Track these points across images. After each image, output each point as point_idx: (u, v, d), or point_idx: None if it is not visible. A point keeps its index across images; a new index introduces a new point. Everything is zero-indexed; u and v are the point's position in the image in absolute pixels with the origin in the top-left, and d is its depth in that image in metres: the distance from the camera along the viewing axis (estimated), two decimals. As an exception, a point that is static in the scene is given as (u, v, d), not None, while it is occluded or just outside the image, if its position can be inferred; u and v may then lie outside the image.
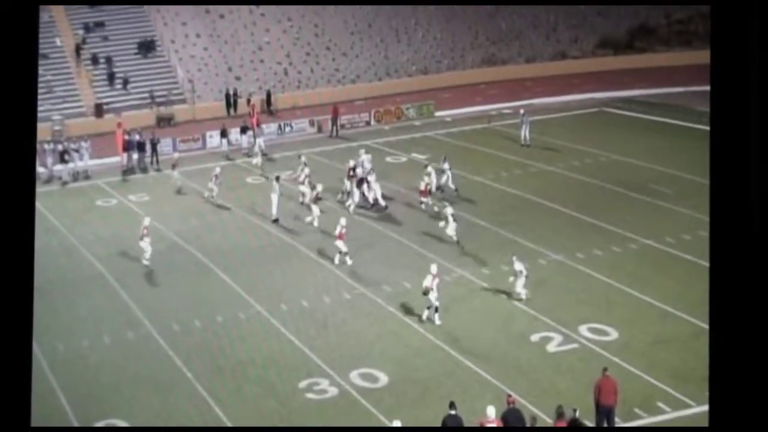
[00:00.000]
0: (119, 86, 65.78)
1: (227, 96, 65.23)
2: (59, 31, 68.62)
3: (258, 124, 56.09)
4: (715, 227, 16.76)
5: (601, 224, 39.58)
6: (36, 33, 16.37)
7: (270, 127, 58.95)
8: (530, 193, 44.15)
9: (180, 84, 66.98)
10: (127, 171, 52.91)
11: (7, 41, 15.57)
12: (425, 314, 31.13)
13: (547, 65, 74.61)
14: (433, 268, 31.12)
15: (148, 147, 53.85)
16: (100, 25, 69.83)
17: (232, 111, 64.38)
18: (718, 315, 16.46)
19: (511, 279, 32.50)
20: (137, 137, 54.20)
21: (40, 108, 60.81)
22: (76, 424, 25.77)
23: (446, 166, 44.35)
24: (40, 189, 49.34)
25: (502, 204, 43.21)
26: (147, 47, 69.03)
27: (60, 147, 53.38)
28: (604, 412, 23.48)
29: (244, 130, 56.22)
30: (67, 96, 64.52)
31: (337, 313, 32.38)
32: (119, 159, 53.80)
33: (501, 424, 22.29)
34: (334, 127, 59.16)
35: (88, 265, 38.06)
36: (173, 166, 48.05)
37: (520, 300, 32.10)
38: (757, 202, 16.31)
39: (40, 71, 64.13)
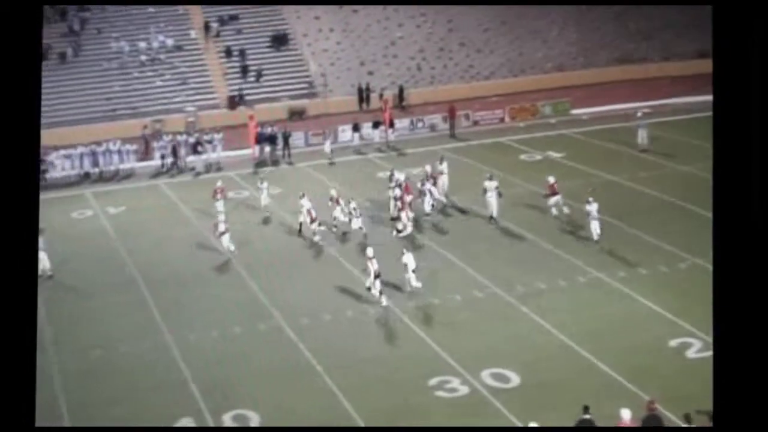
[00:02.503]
0: (252, 79, 66.87)
1: (359, 90, 65.75)
2: (193, 24, 70.14)
3: (391, 121, 56.55)
4: (718, 228, 16.53)
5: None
6: (39, 33, 16.60)
7: (402, 123, 59.21)
8: (668, 194, 43.33)
9: (312, 78, 67.74)
10: (259, 163, 53.83)
11: (9, 41, 15.83)
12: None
13: (688, 64, 73.08)
14: (370, 251, 33.32)
15: (280, 140, 54.67)
16: (234, 18, 71.08)
17: (364, 105, 64.91)
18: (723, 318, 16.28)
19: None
20: (269, 130, 55.11)
21: (175, 99, 62.64)
22: (206, 415, 26.31)
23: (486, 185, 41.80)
24: (172, 180, 50.74)
25: (639, 205, 42.53)
26: (280, 41, 69.99)
27: (193, 138, 54.64)
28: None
29: (376, 125, 56.70)
30: (201, 88, 65.89)
31: (469, 312, 32.38)
32: (251, 151, 54.79)
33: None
34: (451, 127, 59.00)
35: (219, 256, 38.78)
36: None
37: None
38: (758, 202, 16.13)
39: (175, 62, 65.91)
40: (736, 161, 16.28)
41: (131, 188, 50.72)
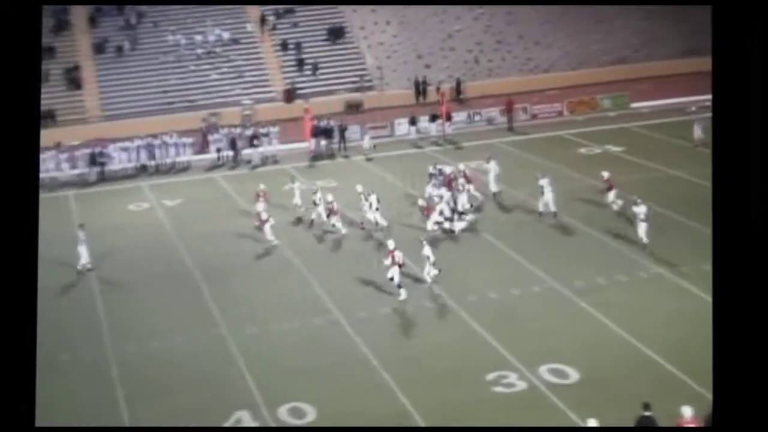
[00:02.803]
0: (308, 72, 66.96)
1: (416, 83, 65.61)
2: (249, 17, 70.39)
3: (448, 115, 56.44)
4: (718, 228, 16.40)
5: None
6: (39, 32, 16.56)
7: (459, 116, 59.03)
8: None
9: (369, 71, 67.73)
10: (315, 157, 53.93)
11: (9, 40, 15.83)
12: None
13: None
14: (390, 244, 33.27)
15: (336, 133, 54.73)
16: (290, 11, 71.23)
17: (421, 99, 64.76)
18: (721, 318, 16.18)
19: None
20: (325, 123, 55.18)
21: (230, 92, 62.91)
22: (262, 408, 26.33)
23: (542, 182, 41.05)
24: (228, 173, 50.99)
25: (700, 198, 41.93)
26: (336, 34, 70.05)
27: (249, 131, 54.86)
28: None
29: (433, 118, 56.59)
30: (257, 81, 66.14)
31: (526, 306, 32.19)
32: (307, 144, 54.90)
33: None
34: (509, 120, 58.70)
35: (276, 249, 38.88)
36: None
37: None
38: (759, 202, 16.01)
39: (231, 56, 66.19)
40: (737, 161, 16.18)
41: (187, 181, 51.03)
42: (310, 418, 25.79)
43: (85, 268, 37.44)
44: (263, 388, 27.40)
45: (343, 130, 54.98)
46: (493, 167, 43.86)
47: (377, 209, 39.85)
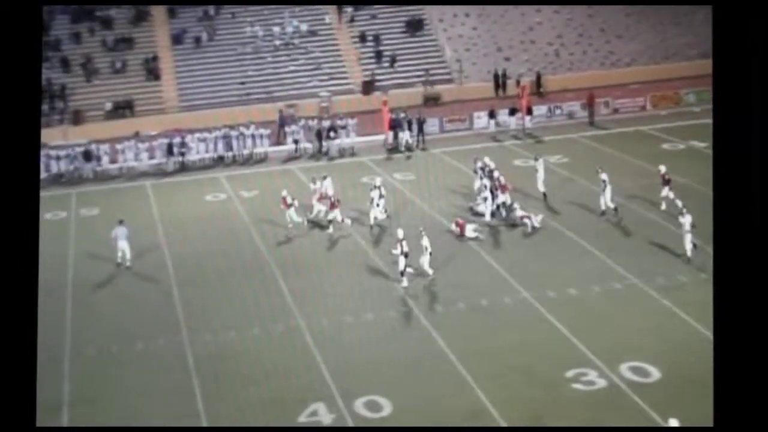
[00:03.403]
0: (386, 64, 67.09)
1: (496, 77, 65.40)
2: (327, 9, 70.68)
3: (529, 108, 56.26)
4: (718, 229, 16.44)
5: None
6: (39, 32, 16.68)
7: (539, 110, 58.74)
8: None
9: (447, 63, 67.69)
10: (393, 149, 54.04)
11: (9, 40, 15.92)
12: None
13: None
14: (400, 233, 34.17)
15: (414, 126, 54.76)
16: (368, 3, 71.38)
17: (500, 92, 64.54)
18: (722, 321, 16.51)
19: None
20: (403, 116, 55.23)
21: (308, 84, 63.26)
22: (338, 400, 26.46)
23: (604, 177, 40.39)
24: (305, 164, 51.26)
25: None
26: (415, 26, 70.09)
27: (326, 123, 55.11)
28: None
29: (512, 112, 56.41)
30: (335, 73, 66.41)
31: (607, 303, 31.96)
32: (384, 137, 55.00)
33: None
34: (590, 115, 58.22)
35: (351, 242, 39.12)
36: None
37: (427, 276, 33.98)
38: (759, 202, 16.04)
39: (309, 47, 66.50)
40: (737, 161, 16.25)
41: (264, 172, 51.39)
42: (385, 411, 25.83)
43: (124, 264, 37.81)
44: (339, 380, 27.52)
45: (421, 123, 54.97)
46: (540, 166, 43.38)
47: (377, 204, 40.35)
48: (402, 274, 33.98)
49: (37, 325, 15.83)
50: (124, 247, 37.75)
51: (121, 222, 38.31)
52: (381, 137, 55.26)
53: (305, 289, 34.54)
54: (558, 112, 59.45)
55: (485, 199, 40.14)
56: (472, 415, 25.42)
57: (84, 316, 33.63)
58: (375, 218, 40.30)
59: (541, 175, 42.93)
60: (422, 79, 65.88)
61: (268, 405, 26.37)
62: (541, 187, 42.81)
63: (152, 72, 65.82)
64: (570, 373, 27.02)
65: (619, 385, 26.40)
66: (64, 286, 36.47)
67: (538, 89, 64.70)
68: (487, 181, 40.84)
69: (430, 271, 34.47)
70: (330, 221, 40.18)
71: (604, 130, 55.76)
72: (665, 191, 40.07)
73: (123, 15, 69.85)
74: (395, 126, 54.96)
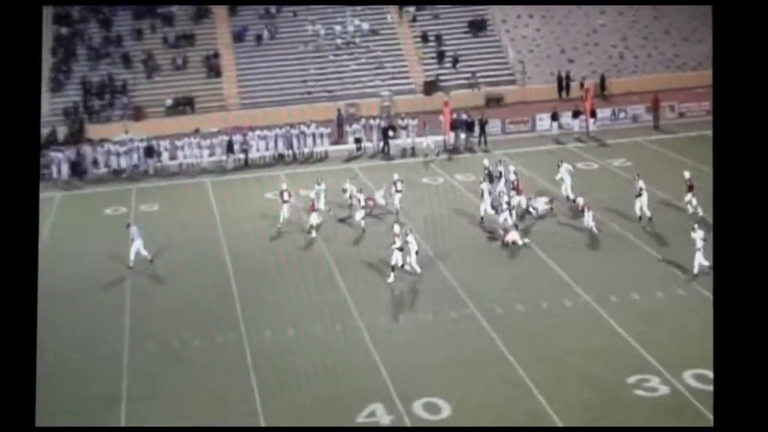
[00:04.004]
0: (448, 65, 67.10)
1: (559, 79, 65.17)
2: (389, 8, 70.83)
3: (592, 111, 56.01)
4: (718, 230, 16.72)
5: None
6: (39, 32, 16.75)
7: (603, 113, 58.44)
8: None
9: (510, 65, 67.56)
10: (453, 150, 54.05)
11: (8, 40, 15.97)
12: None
13: None
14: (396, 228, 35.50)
15: (476, 127, 54.71)
16: (430, 2, 71.46)
17: (563, 94, 64.33)
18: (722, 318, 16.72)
19: None
20: (465, 117, 55.20)
21: (370, 83, 63.40)
22: (396, 401, 26.51)
23: (641, 185, 40.01)
24: (365, 163, 51.39)
25: None
26: (478, 26, 70.01)
27: (385, 123, 55.26)
28: None
29: (576, 114, 56.17)
30: (396, 73, 66.52)
31: (671, 309, 31.71)
32: (446, 138, 55.00)
33: None
34: (655, 118, 57.80)
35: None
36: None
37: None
38: (761, 208, 16.19)
39: (371, 47, 66.66)
40: (738, 161, 16.33)
41: (324, 171, 51.54)
42: (444, 413, 25.81)
43: (128, 265, 38.09)
44: (398, 381, 27.55)
45: (483, 124, 54.91)
46: (564, 171, 43.29)
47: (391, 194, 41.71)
48: (393, 269, 34.69)
49: (36, 325, 16.01)
50: (134, 250, 38.05)
51: (128, 225, 38.96)
52: (441, 137, 55.21)
53: (364, 288, 34.64)
54: (622, 115, 59.12)
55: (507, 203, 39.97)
56: (531, 417, 25.35)
57: (143, 312, 33.99)
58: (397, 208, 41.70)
59: (567, 183, 43.00)
60: (470, 81, 65.79)
61: (326, 404, 26.48)
62: (569, 194, 42.73)
63: (213, 69, 66.35)
64: (632, 379, 26.83)
65: (683, 392, 26.19)
66: (122, 281, 36.93)
67: (602, 92, 64.30)
68: (502, 186, 41.05)
69: (418, 269, 35.02)
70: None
71: (669, 134, 55.37)
72: (688, 197, 39.79)
73: (184, 12, 70.51)
74: (456, 127, 54.94)
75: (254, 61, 67.37)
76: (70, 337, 31.96)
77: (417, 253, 35.17)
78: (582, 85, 61.96)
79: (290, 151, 54.28)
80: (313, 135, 54.59)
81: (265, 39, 68.56)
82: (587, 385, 26.96)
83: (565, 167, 43.42)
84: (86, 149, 54.92)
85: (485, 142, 54.48)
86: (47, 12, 69.74)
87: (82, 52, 67.38)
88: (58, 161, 53.14)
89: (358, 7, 70.46)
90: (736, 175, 16.39)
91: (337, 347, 30.17)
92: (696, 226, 34.65)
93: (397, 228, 35.71)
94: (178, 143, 54.02)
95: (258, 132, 54.64)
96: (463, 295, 33.54)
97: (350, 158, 53.99)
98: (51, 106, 63.02)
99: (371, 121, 55.78)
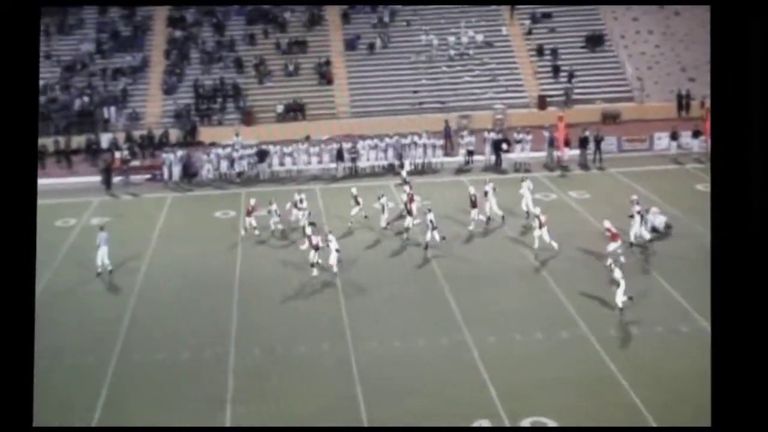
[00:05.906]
0: (564, 79, 66.75)
1: (679, 97, 64.45)
2: (504, 20, 70.80)
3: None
4: (716, 232, 16.62)
5: None
6: (37, 33, 16.77)
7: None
8: None
9: (628, 81, 66.98)
10: (567, 166, 53.71)
11: (9, 41, 15.98)
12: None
13: None
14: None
15: (591, 144, 54.30)
16: (547, 16, 71.29)
17: (683, 113, 63.53)
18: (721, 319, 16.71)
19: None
20: (581, 133, 54.81)
21: (483, 96, 63.44)
22: (504, 419, 26.40)
23: (636, 209, 40.27)
24: (477, 176, 51.28)
25: None
26: (595, 41, 69.58)
27: (498, 136, 55.14)
28: None
29: (696, 134, 55.38)
30: (510, 86, 66.40)
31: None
32: (560, 153, 54.68)
33: None
34: None
35: (519, 257, 39.08)
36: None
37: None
38: (759, 207, 16.12)
39: (485, 59, 66.70)
40: (736, 161, 16.28)
41: (434, 182, 51.60)
42: (553, 433, 25.75)
43: (105, 269, 38.68)
44: (506, 398, 27.46)
45: (599, 141, 54.47)
46: (526, 189, 43.65)
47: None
48: (312, 265, 37.22)
49: (34, 325, 16.20)
50: (101, 254, 38.61)
51: (101, 228, 39.72)
52: (556, 153, 54.92)
53: (474, 303, 34.56)
54: (743, 137, 58.06)
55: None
56: (643, 443, 25.15)
57: (249, 315, 34.36)
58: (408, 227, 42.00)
59: (527, 196, 43.57)
60: (562, 97, 65.38)
61: (431, 417, 26.48)
62: (527, 208, 43.27)
63: (324, 76, 66.96)
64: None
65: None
66: (231, 283, 37.39)
67: (722, 112, 63.24)
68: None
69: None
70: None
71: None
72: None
73: (297, 18, 71.31)
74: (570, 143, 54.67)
75: (366, 69, 67.86)
76: (178, 337, 32.50)
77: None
78: (703, 104, 61.11)
79: (398, 162, 54.28)
80: (425, 146, 54.63)
81: (378, 48, 68.99)
82: (699, 410, 26.37)
83: (526, 184, 44.12)
84: (197, 152, 55.79)
85: (600, 159, 54.02)
86: (161, 14, 71.19)
87: (195, 55, 68.55)
88: (169, 163, 54.09)
89: (473, 18, 70.59)
90: (735, 174, 16.33)
91: (443, 361, 30.16)
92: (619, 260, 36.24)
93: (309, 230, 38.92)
94: (285, 150, 54.52)
95: (368, 141, 54.88)
96: (573, 313, 33.32)
97: (460, 170, 53.93)
98: (163, 108, 64.25)
99: (485, 134, 55.65)
